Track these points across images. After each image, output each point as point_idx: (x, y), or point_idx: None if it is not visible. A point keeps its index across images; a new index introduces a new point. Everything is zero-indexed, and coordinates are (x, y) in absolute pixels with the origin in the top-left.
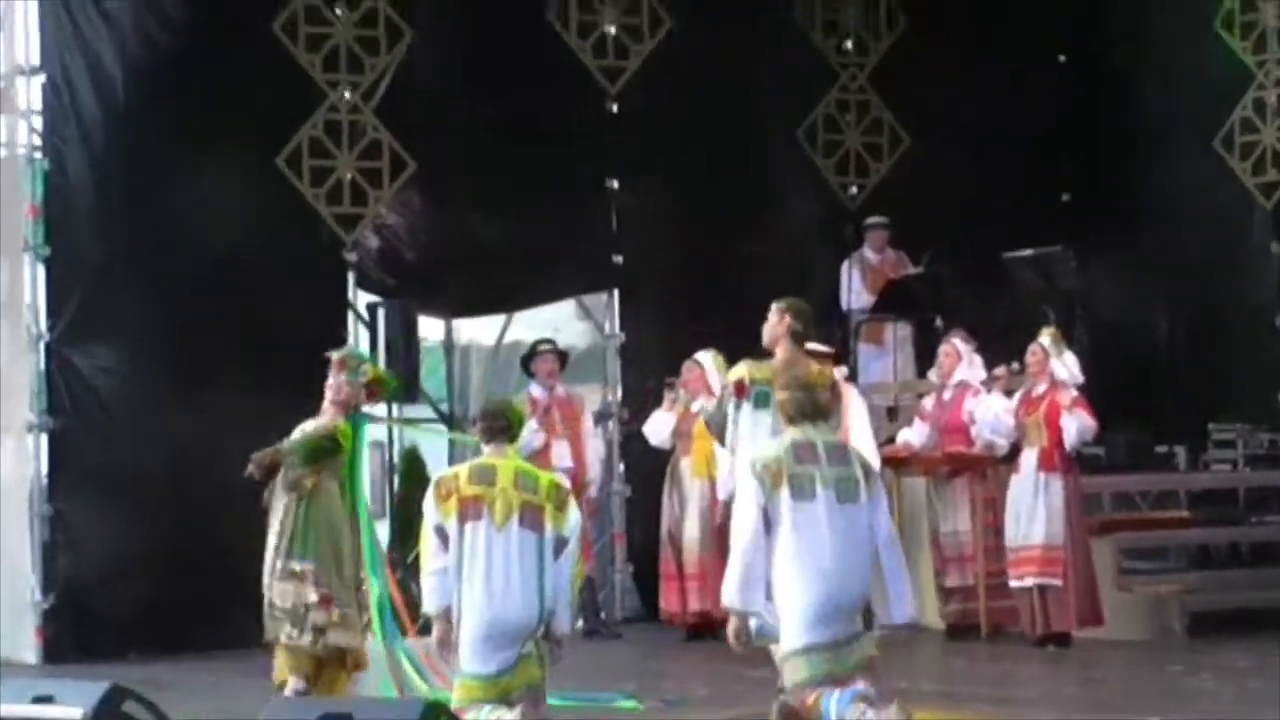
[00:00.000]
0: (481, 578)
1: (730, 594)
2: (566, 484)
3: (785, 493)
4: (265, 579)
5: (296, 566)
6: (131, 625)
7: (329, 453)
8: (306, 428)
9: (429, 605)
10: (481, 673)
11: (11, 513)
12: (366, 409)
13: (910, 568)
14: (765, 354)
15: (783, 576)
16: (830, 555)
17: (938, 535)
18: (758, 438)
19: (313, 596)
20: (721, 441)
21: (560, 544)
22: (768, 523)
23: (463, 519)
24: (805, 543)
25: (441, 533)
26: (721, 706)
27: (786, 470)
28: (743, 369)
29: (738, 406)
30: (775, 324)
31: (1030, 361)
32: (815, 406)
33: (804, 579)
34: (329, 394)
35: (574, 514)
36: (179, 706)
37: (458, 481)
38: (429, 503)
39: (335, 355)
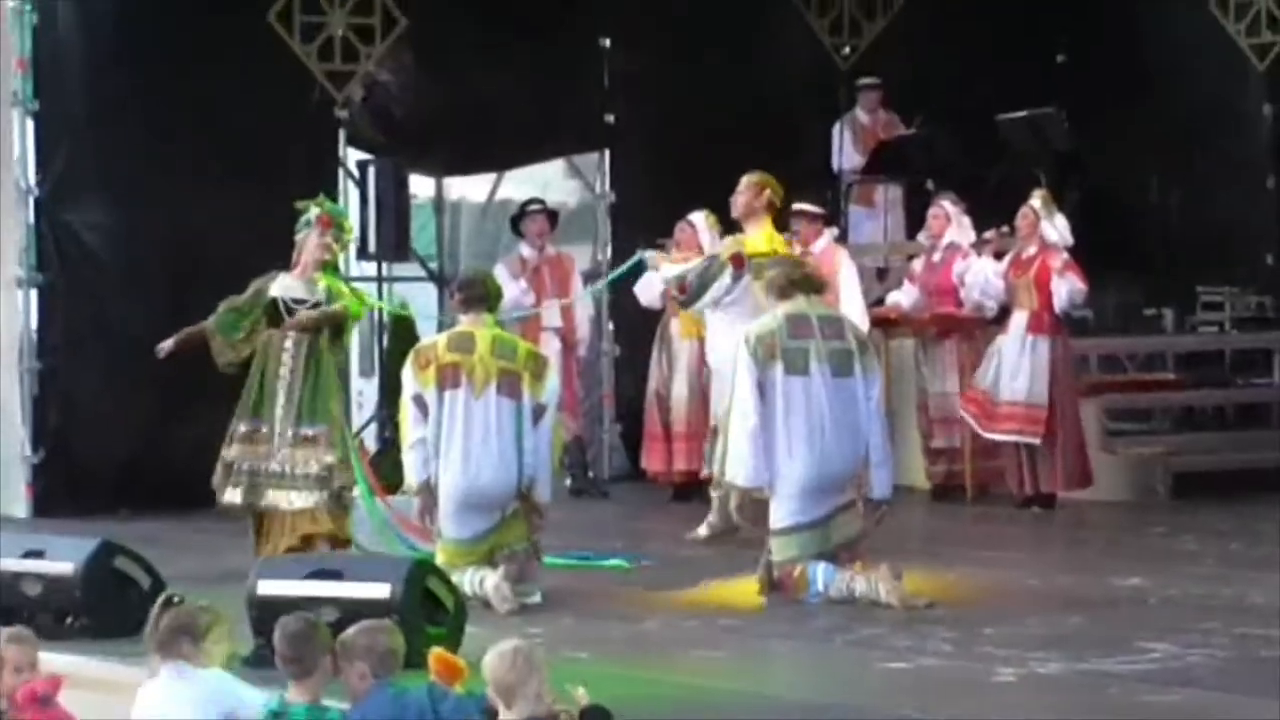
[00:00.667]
0: (460, 445)
1: (737, 470)
2: (544, 353)
3: (779, 367)
4: (252, 438)
5: (311, 432)
6: (122, 481)
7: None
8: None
9: (411, 478)
10: (462, 537)
11: (1, 368)
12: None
13: (899, 429)
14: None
15: (777, 451)
16: (824, 430)
17: (925, 397)
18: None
19: (329, 458)
20: (686, 305)
21: (538, 411)
22: (761, 396)
23: (441, 387)
24: (799, 417)
25: (420, 401)
26: (707, 565)
27: (780, 344)
28: (736, 243)
29: (736, 279)
30: (752, 198)
31: (1021, 224)
32: (806, 278)
33: (798, 454)
34: (316, 253)
35: (552, 381)
36: (169, 563)
37: (436, 350)
38: (407, 372)
39: (321, 211)
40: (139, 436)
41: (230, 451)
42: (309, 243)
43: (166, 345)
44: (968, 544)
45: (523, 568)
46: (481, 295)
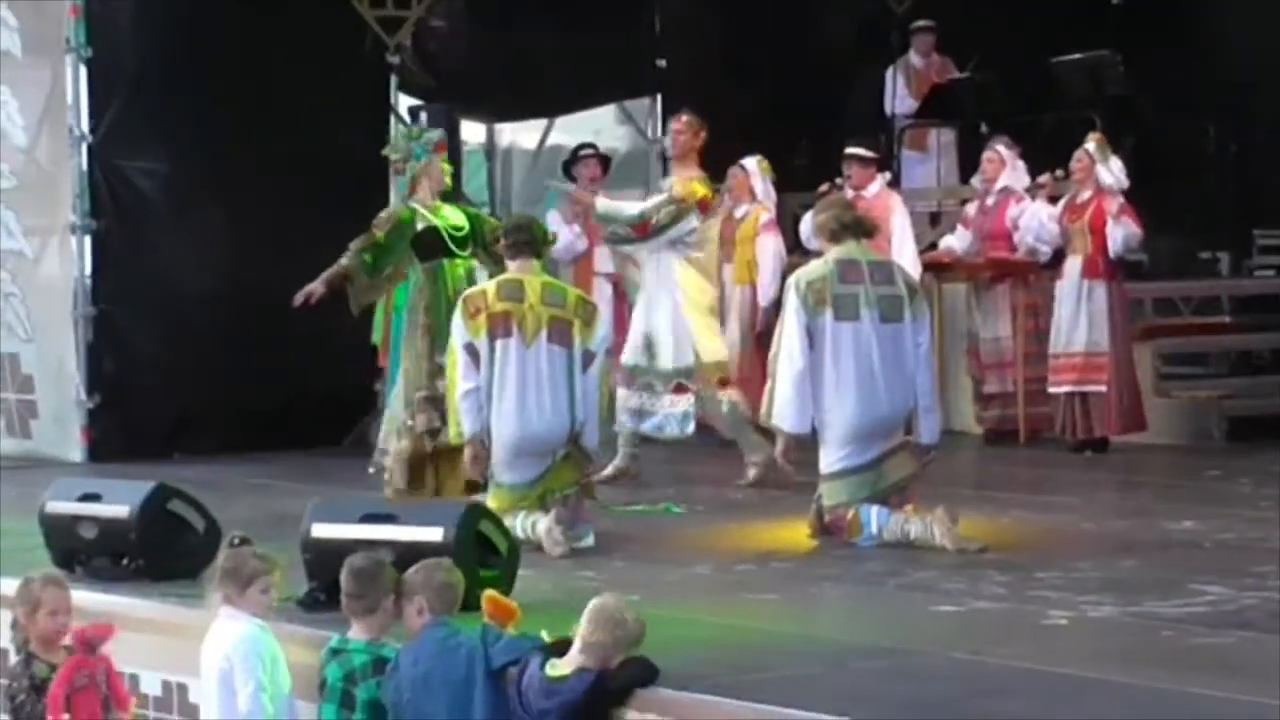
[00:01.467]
0: (514, 393)
1: (783, 415)
2: (593, 299)
3: (829, 313)
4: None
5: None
6: (175, 426)
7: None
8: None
9: (465, 427)
10: (515, 482)
11: (56, 313)
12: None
13: (950, 375)
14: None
15: (825, 397)
16: (873, 375)
17: (976, 342)
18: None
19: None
20: (644, 239)
21: (588, 358)
22: (810, 341)
23: (493, 335)
24: (848, 363)
25: (471, 350)
26: (759, 509)
27: (831, 290)
28: (703, 184)
29: (700, 220)
30: (691, 138)
31: (1075, 168)
32: (856, 221)
33: (847, 399)
34: (440, 180)
35: (601, 328)
36: (223, 507)
37: (486, 298)
38: (457, 321)
39: (440, 136)
40: (193, 382)
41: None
42: (433, 169)
43: (316, 289)
44: (1021, 488)
45: (574, 511)
46: (529, 240)
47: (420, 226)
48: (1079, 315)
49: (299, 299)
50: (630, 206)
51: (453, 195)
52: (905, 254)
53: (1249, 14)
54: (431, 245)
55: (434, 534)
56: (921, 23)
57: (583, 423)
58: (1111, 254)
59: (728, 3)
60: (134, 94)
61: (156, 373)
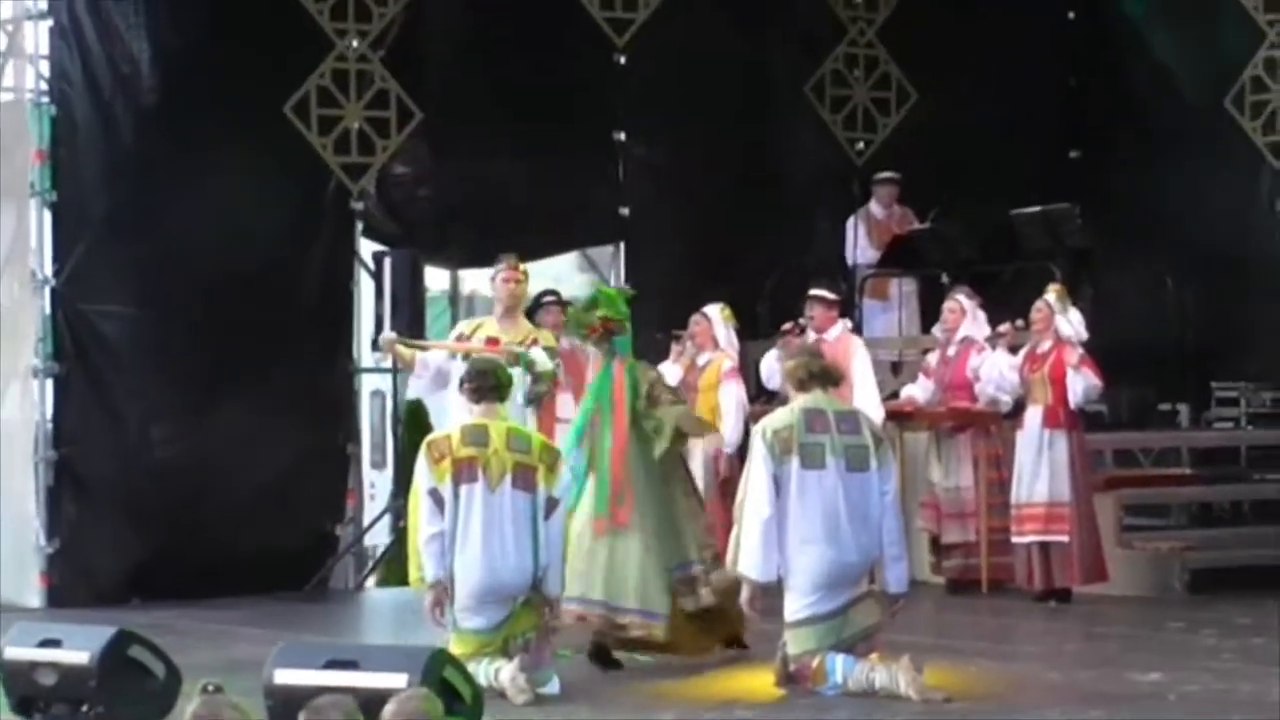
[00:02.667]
0: (478, 540)
1: (749, 564)
2: (556, 446)
3: (795, 461)
4: None
5: None
6: (135, 571)
7: None
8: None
9: (428, 572)
10: (480, 627)
11: (16, 457)
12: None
13: (911, 524)
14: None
15: (791, 545)
16: (839, 524)
17: (934, 492)
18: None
19: None
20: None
21: (551, 504)
22: (777, 489)
23: (457, 481)
24: (814, 511)
25: (436, 496)
26: (723, 658)
27: (797, 438)
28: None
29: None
30: (525, 286)
31: (1035, 318)
32: (823, 370)
33: (813, 548)
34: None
35: (565, 474)
36: (183, 652)
37: (450, 443)
38: (421, 465)
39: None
40: (153, 526)
41: None
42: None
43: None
44: (985, 638)
45: (536, 655)
46: (493, 385)
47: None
48: (1040, 465)
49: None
50: (542, 359)
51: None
52: (867, 397)
53: (1207, 167)
54: None
55: (398, 680)
56: (885, 174)
57: (545, 568)
58: (1072, 404)
59: (690, 151)
60: (98, 238)
61: (117, 517)
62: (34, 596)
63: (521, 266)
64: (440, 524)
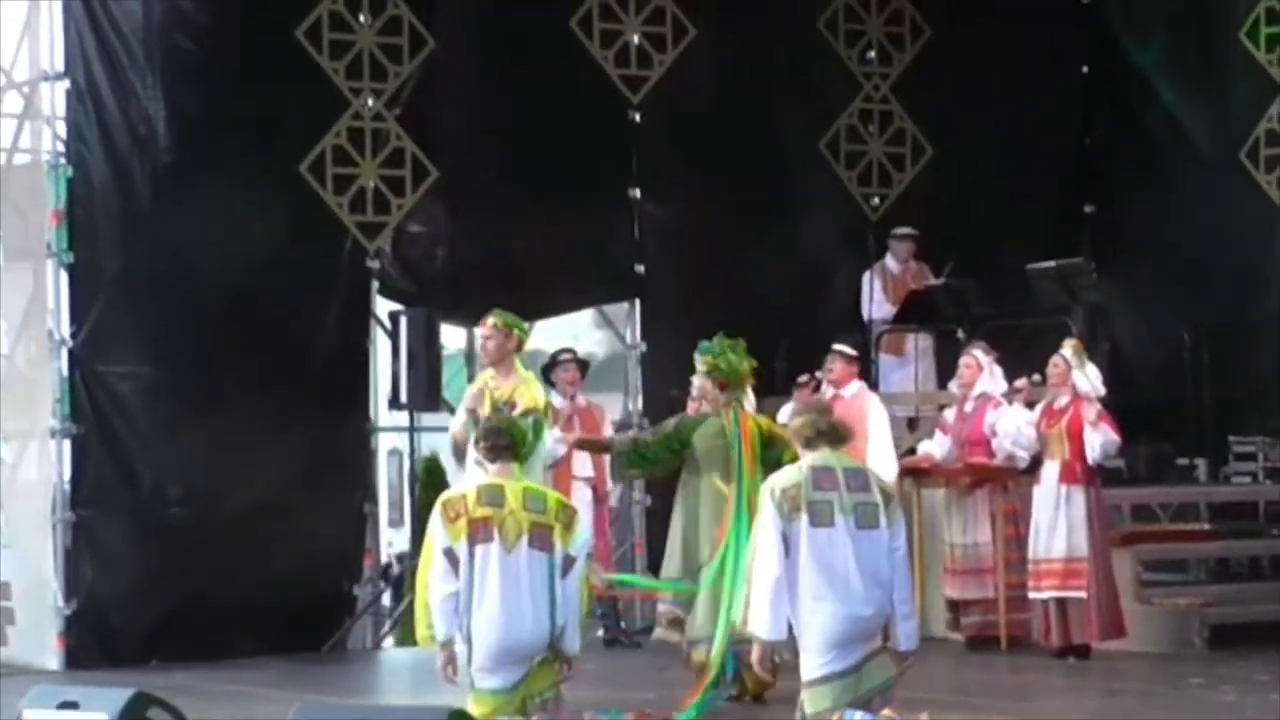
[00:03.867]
0: (495, 600)
1: (759, 623)
2: (573, 504)
3: (804, 519)
4: None
5: None
6: (153, 632)
7: None
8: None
9: (440, 632)
10: (498, 688)
11: (34, 519)
12: None
13: (930, 581)
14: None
15: (803, 603)
16: (850, 581)
17: (951, 550)
18: None
19: None
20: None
21: (568, 563)
22: (786, 548)
23: (473, 541)
24: (824, 570)
25: (451, 555)
26: (740, 716)
27: (805, 497)
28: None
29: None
30: (503, 340)
31: (1052, 373)
32: (831, 428)
33: (824, 606)
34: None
35: (582, 532)
36: (201, 714)
37: (466, 503)
38: (436, 524)
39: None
40: (171, 587)
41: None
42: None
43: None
44: (1004, 695)
45: (554, 714)
46: (509, 444)
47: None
48: (1058, 521)
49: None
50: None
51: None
52: (883, 454)
53: (1223, 222)
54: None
55: None
56: (902, 230)
57: (563, 627)
58: (1090, 461)
59: (705, 208)
60: (115, 299)
61: (134, 579)
62: (52, 658)
63: (493, 321)
64: (454, 584)
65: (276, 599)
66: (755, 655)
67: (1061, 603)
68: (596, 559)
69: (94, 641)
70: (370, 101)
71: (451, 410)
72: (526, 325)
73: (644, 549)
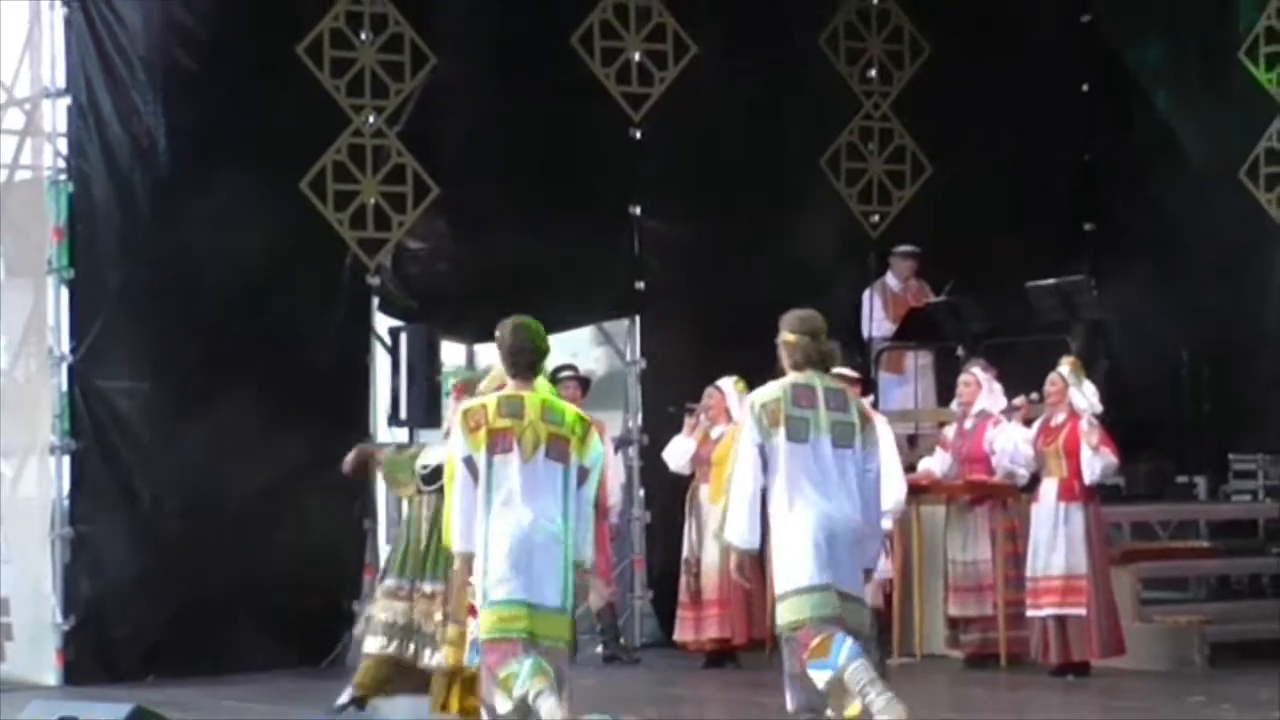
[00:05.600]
0: (512, 506)
1: (736, 532)
2: (589, 417)
3: (782, 434)
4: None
5: (428, 588)
6: (152, 647)
7: None
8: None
9: (460, 544)
10: (511, 598)
11: (33, 534)
12: None
13: (929, 599)
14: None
15: (779, 517)
16: (827, 496)
17: (951, 568)
18: None
19: (438, 616)
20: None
21: (582, 474)
22: (765, 463)
23: (492, 450)
24: (801, 484)
25: (471, 464)
26: None
27: (784, 412)
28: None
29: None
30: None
31: (1049, 391)
32: (821, 354)
33: (800, 508)
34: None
35: (596, 445)
36: None
37: (486, 413)
38: (457, 433)
39: (457, 380)
40: (169, 603)
41: (376, 607)
42: (447, 411)
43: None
44: (1003, 712)
45: (560, 670)
46: (530, 360)
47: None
48: (1056, 539)
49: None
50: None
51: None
52: (891, 473)
53: (1223, 239)
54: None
55: None
56: (904, 248)
57: (575, 534)
58: (1088, 481)
59: (705, 224)
60: (115, 315)
61: (133, 594)
62: (50, 674)
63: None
64: (474, 495)
65: (275, 614)
66: (733, 562)
67: (1061, 620)
68: (597, 574)
69: (92, 657)
70: (371, 118)
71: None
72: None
73: (644, 566)
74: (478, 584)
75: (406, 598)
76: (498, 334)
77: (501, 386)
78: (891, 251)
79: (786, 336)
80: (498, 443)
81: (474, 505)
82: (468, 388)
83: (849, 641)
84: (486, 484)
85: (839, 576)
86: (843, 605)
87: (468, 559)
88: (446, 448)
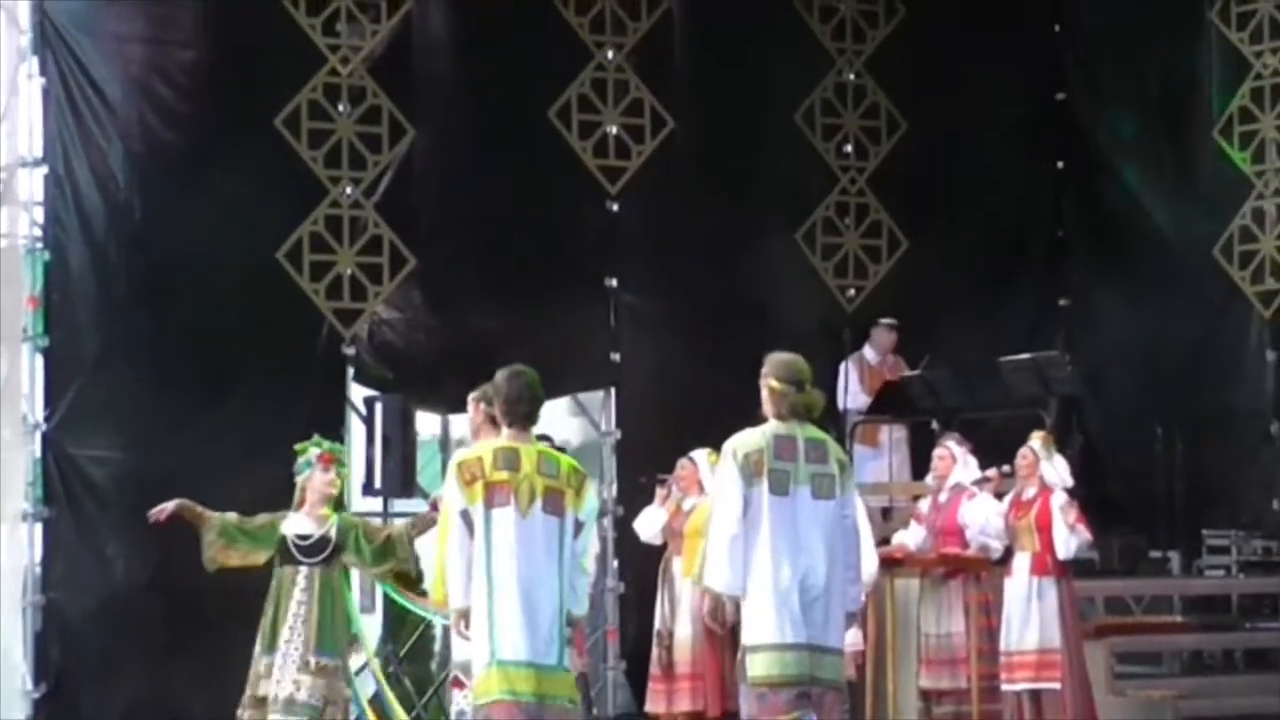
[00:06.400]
0: (511, 563)
1: (717, 577)
2: (583, 469)
3: (765, 486)
4: (272, 671)
5: (326, 662)
6: (123, 716)
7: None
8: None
9: (458, 599)
10: (518, 659)
11: (4, 602)
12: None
13: (904, 672)
14: None
15: (757, 563)
16: (804, 550)
17: (925, 638)
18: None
19: (346, 693)
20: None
21: (578, 527)
22: (745, 509)
23: (489, 504)
24: (779, 539)
25: (467, 518)
26: None
27: (767, 464)
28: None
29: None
30: (473, 415)
31: (1020, 465)
32: (806, 405)
33: (780, 563)
34: (323, 490)
35: (590, 498)
36: None
37: (483, 466)
38: (452, 486)
39: (322, 450)
40: (140, 671)
41: (259, 688)
42: (314, 481)
43: (167, 509)
44: None
45: None
46: (526, 410)
47: (279, 535)
48: (1030, 613)
49: (153, 514)
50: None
51: (338, 502)
52: (864, 545)
53: (1196, 316)
54: (283, 552)
55: None
56: (886, 320)
57: (571, 589)
58: (1062, 558)
59: (682, 297)
60: (90, 383)
61: (103, 662)
62: None
63: (473, 395)
64: (469, 550)
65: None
66: (707, 606)
67: (1035, 694)
68: (571, 645)
69: None
70: (348, 190)
71: (425, 496)
72: None
73: (617, 636)
74: (479, 644)
75: (313, 672)
76: (494, 382)
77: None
78: (876, 322)
79: (772, 384)
80: (494, 496)
81: (469, 566)
82: (334, 457)
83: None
84: (484, 538)
85: (814, 633)
86: (816, 660)
87: (464, 615)
88: (301, 516)
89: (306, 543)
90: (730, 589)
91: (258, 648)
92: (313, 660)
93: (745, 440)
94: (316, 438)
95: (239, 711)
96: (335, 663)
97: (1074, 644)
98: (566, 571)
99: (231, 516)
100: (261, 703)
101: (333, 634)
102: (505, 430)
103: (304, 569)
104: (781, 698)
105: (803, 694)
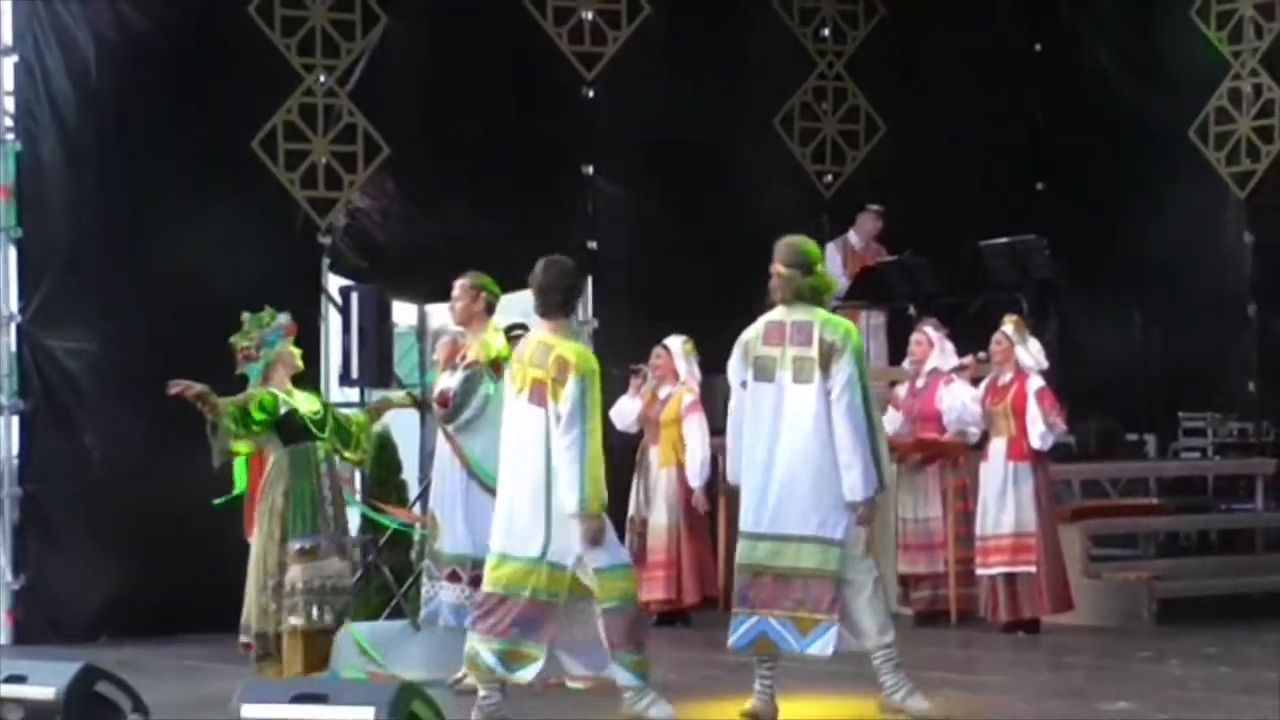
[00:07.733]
0: (507, 452)
1: (726, 468)
2: (571, 358)
3: (751, 372)
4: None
5: (349, 544)
6: (102, 608)
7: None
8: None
9: None
10: (512, 552)
11: None
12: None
13: (881, 553)
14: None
15: (745, 458)
16: (779, 435)
17: (903, 526)
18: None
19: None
20: (449, 420)
21: (557, 419)
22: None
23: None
24: (759, 424)
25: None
26: (691, 692)
27: (754, 350)
28: (486, 348)
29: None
30: (470, 303)
31: (995, 350)
32: (813, 288)
33: (752, 461)
34: (293, 363)
35: (570, 387)
36: (150, 689)
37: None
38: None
39: (289, 320)
40: (120, 563)
41: (292, 573)
42: (286, 354)
43: (194, 387)
44: (953, 669)
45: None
46: (554, 300)
47: (284, 410)
48: (1005, 497)
49: (171, 386)
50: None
51: (303, 378)
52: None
53: (1173, 199)
54: (294, 429)
55: (365, 714)
56: (873, 206)
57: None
58: (1034, 446)
59: (658, 185)
60: (63, 274)
61: (83, 554)
62: (0, 633)
63: (463, 281)
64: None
65: (227, 575)
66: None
67: (1010, 578)
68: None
69: (42, 617)
70: (322, 78)
71: (402, 385)
72: (497, 288)
73: None
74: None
75: (347, 555)
76: (532, 272)
77: (455, 350)
78: (864, 207)
79: (777, 269)
80: (510, 381)
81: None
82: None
83: (748, 622)
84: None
85: (784, 520)
86: (777, 549)
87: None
88: (298, 394)
89: (318, 418)
90: (732, 478)
91: (276, 532)
92: (346, 542)
93: (747, 330)
94: (268, 307)
95: (251, 612)
96: (313, 542)
97: (1049, 528)
98: (553, 462)
99: (236, 402)
100: (290, 592)
101: (344, 514)
102: (543, 321)
103: (320, 446)
104: (737, 584)
105: (757, 582)
